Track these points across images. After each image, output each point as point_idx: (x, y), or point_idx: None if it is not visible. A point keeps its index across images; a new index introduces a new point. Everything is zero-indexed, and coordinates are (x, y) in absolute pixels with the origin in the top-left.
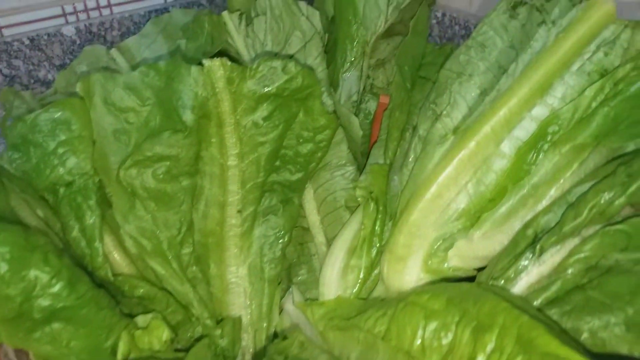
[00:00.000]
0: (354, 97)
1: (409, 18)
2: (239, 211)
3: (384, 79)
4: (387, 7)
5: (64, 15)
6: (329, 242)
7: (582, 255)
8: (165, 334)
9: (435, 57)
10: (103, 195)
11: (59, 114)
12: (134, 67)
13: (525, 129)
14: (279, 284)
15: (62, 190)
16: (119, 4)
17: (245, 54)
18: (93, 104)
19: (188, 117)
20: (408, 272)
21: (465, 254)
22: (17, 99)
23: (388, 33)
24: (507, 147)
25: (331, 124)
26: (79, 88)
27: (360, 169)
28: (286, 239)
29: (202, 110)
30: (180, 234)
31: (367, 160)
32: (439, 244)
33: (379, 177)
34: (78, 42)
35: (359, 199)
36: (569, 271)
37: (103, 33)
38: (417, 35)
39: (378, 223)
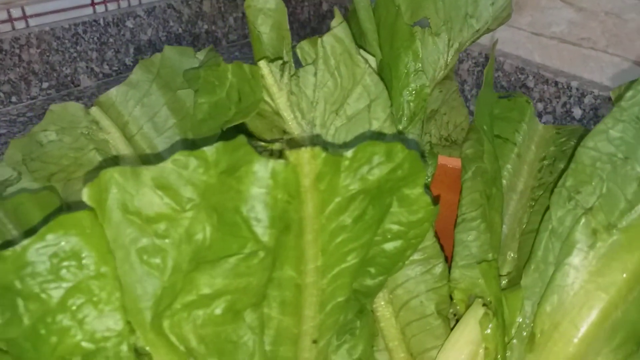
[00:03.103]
0: None
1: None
2: (315, 341)
3: (437, 133)
4: (447, 48)
5: None
6: (415, 356)
7: None
8: None
9: (505, 111)
10: None
11: (62, 242)
12: (127, 134)
13: None
14: None
15: None
16: (37, 15)
17: (290, 117)
18: (106, 214)
19: (266, 233)
20: None
21: None
22: None
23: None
24: None
25: (431, 217)
26: (86, 196)
27: None
28: None
29: (284, 220)
30: None
31: (453, 249)
32: None
33: (491, 280)
34: None
35: (458, 305)
36: None
37: (18, 51)
38: (488, 86)
39: (500, 343)
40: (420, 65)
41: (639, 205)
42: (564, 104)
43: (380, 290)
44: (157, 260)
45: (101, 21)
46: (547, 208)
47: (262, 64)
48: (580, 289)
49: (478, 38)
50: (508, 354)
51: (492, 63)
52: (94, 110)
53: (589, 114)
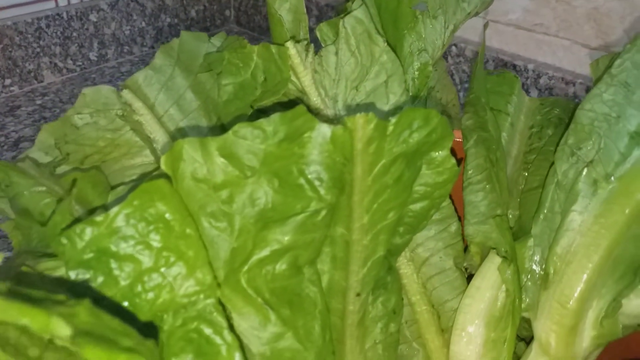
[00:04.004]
0: None
1: None
2: (358, 294)
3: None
4: (444, 30)
5: None
6: (436, 308)
7: None
8: None
9: (496, 86)
10: None
11: (148, 206)
12: (156, 116)
13: None
14: None
15: (169, 319)
16: None
17: (314, 94)
18: (179, 182)
19: (329, 192)
20: (579, 341)
21: (635, 312)
22: (15, 175)
23: None
24: None
25: (454, 178)
26: (164, 163)
27: None
28: (400, 317)
29: (342, 181)
30: (327, 349)
31: (464, 209)
32: (609, 304)
33: (505, 232)
34: None
35: (473, 257)
36: None
37: None
38: (481, 63)
39: (517, 286)
40: (423, 44)
41: (630, 156)
42: (522, 85)
43: (405, 248)
44: (224, 224)
45: (64, 15)
46: (551, 164)
47: (290, 44)
48: (587, 231)
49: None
50: (523, 295)
51: (484, 44)
52: (126, 92)
53: (544, 94)
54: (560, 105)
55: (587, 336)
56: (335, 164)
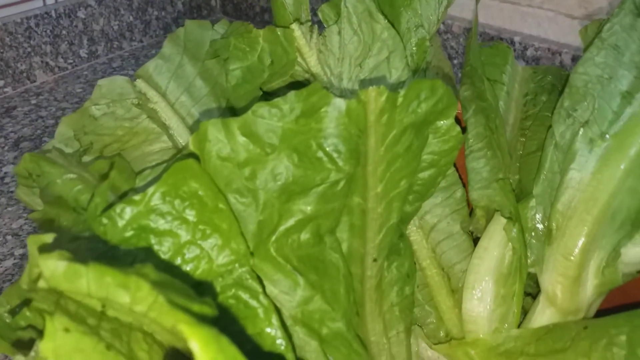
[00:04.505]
0: None
1: None
2: (375, 260)
3: None
4: (438, 6)
5: None
6: (446, 271)
7: None
8: None
9: (489, 57)
10: None
11: (182, 184)
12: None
13: None
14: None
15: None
16: None
17: (320, 74)
18: (205, 159)
19: (347, 163)
20: (583, 290)
21: (633, 260)
22: (46, 165)
23: None
24: None
25: (459, 144)
26: (192, 144)
27: None
28: (414, 280)
29: (357, 152)
30: (352, 310)
31: (467, 176)
32: (609, 254)
33: (508, 194)
34: None
35: (479, 221)
36: None
37: None
38: (475, 37)
39: (522, 244)
40: (419, 20)
41: (623, 114)
42: None
43: (414, 216)
44: (249, 199)
45: (53, 13)
46: (548, 128)
47: (295, 26)
48: (586, 187)
49: None
50: (528, 252)
51: (477, 17)
52: (139, 82)
53: (532, 65)
54: (552, 73)
55: (590, 285)
56: (351, 135)
